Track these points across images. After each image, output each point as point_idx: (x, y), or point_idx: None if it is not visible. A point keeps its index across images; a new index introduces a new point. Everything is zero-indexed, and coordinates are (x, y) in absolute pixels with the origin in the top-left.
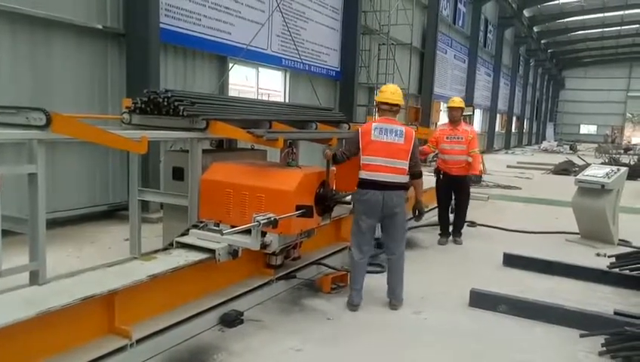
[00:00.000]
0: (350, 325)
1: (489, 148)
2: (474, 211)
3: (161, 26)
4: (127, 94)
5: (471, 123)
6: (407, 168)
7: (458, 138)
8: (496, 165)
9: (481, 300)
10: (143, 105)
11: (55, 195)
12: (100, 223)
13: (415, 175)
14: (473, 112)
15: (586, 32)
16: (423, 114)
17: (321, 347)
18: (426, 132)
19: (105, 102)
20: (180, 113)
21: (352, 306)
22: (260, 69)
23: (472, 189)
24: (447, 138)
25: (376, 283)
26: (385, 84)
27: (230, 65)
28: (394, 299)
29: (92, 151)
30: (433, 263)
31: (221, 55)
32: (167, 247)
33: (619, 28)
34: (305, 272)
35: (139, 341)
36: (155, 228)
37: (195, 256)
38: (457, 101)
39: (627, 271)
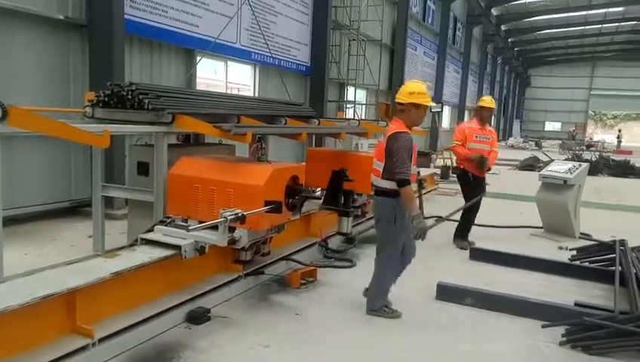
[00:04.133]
0: (319, 320)
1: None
2: (442, 206)
3: (126, 17)
4: (90, 87)
5: (440, 120)
6: (381, 170)
7: (486, 138)
8: None
9: (447, 293)
10: (106, 99)
11: (14, 191)
12: (62, 220)
13: (398, 182)
14: (442, 109)
15: (551, 31)
16: (393, 110)
17: (289, 343)
18: None
19: (67, 96)
20: (145, 107)
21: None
22: (229, 62)
23: (440, 185)
24: (476, 137)
25: (345, 277)
26: (355, 79)
27: (198, 58)
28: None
29: (53, 145)
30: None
31: (188, 48)
32: (132, 244)
33: (582, 28)
34: (274, 268)
35: (101, 340)
36: (120, 224)
37: (160, 253)
38: (489, 101)
39: (587, 264)
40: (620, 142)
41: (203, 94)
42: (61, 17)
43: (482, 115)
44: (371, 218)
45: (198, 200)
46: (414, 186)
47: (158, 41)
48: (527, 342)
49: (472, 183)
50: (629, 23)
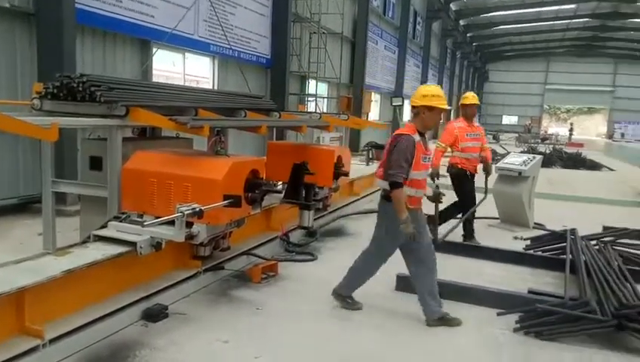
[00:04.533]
0: (280, 315)
1: None
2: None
3: (77, 6)
4: (38, 78)
5: (401, 114)
6: (381, 171)
7: (477, 135)
8: None
9: (406, 284)
10: (55, 91)
11: None
12: (10, 217)
13: (389, 184)
14: (403, 103)
15: (507, 26)
16: (355, 104)
17: (249, 337)
18: (359, 122)
19: (13, 87)
20: (97, 99)
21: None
22: (187, 54)
23: None
24: (467, 135)
25: (307, 271)
26: (316, 72)
27: (154, 50)
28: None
29: None
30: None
31: (144, 39)
32: (85, 241)
33: (536, 24)
34: (235, 263)
35: (52, 340)
36: (72, 221)
37: (114, 250)
38: (471, 97)
39: (540, 253)
40: (571, 135)
41: (159, 86)
42: (6, 5)
43: (467, 112)
44: (333, 211)
45: (154, 195)
46: (410, 191)
47: (111, 31)
48: (483, 329)
49: (471, 182)
50: (580, 20)
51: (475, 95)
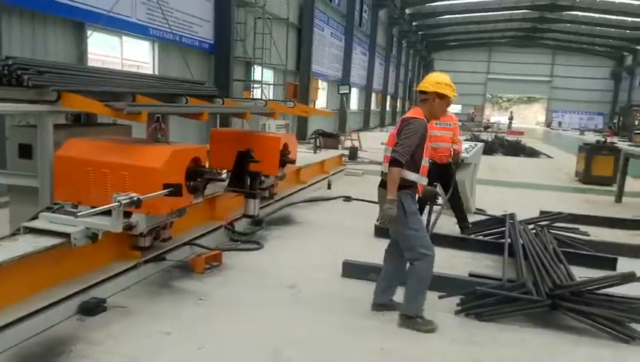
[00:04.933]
0: (224, 304)
1: (365, 126)
2: (350, 186)
3: None
4: None
5: (348, 102)
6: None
7: (447, 124)
8: (371, 142)
9: (352, 270)
10: None
11: None
12: None
13: (390, 161)
14: (350, 91)
15: (452, 16)
16: (302, 91)
17: (192, 329)
18: (306, 110)
19: None
20: (25, 83)
21: (373, 305)
22: (125, 38)
23: (348, 165)
24: (436, 124)
25: (253, 260)
26: (261, 58)
27: (89, 32)
28: (400, 308)
29: None
30: (309, 238)
31: (78, 21)
32: (14, 234)
33: (480, 14)
34: (177, 253)
35: None
36: (2, 213)
37: (47, 242)
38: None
39: (481, 237)
40: (511, 123)
41: (94, 71)
42: None
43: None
44: (280, 199)
45: (89, 184)
46: (419, 179)
47: (41, 12)
48: (426, 312)
49: (434, 172)
50: (520, 11)
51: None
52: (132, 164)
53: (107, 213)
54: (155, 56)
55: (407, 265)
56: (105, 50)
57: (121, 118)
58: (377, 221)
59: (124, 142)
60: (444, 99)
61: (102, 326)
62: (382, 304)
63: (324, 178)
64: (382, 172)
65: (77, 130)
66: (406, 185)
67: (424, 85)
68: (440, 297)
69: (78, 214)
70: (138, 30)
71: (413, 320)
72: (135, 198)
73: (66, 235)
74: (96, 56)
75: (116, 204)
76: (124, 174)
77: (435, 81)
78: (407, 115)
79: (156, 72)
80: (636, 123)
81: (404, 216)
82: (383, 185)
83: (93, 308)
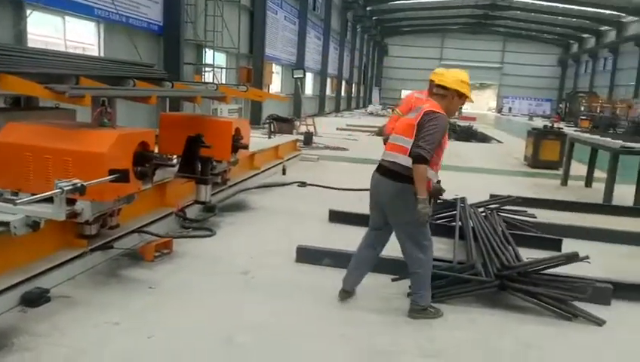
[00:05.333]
0: (175, 292)
1: (321, 111)
2: (305, 172)
3: None
4: None
5: (303, 86)
6: (407, 147)
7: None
8: (326, 128)
9: (306, 255)
10: None
11: None
12: None
13: (413, 158)
14: (304, 75)
15: (405, 2)
16: (255, 75)
17: (142, 318)
18: (259, 94)
19: None
20: None
21: (342, 292)
22: (68, 18)
23: (303, 151)
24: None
25: (205, 247)
26: (213, 41)
27: (28, 12)
28: (411, 301)
29: None
30: (263, 224)
31: None
32: None
33: (433, 0)
34: (126, 241)
35: None
36: None
37: None
38: (440, 73)
39: (432, 221)
40: (461, 109)
41: (35, 52)
42: None
43: (431, 89)
44: (233, 185)
45: (29, 170)
46: (433, 176)
47: None
48: (380, 295)
49: None
50: None
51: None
52: (75, 150)
53: (50, 200)
54: (101, 37)
55: (414, 256)
56: (47, 31)
57: (64, 101)
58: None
59: (68, 126)
60: (462, 98)
61: (46, 317)
62: (351, 291)
63: (279, 163)
64: (385, 160)
65: (16, 113)
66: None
67: (445, 81)
68: (393, 280)
69: (17, 201)
70: (82, 10)
71: (425, 311)
72: (79, 185)
73: (5, 224)
74: (37, 37)
75: (58, 190)
76: (67, 160)
77: (460, 79)
78: (429, 107)
79: (102, 55)
80: (582, 109)
81: (412, 211)
82: (385, 173)
83: (36, 299)
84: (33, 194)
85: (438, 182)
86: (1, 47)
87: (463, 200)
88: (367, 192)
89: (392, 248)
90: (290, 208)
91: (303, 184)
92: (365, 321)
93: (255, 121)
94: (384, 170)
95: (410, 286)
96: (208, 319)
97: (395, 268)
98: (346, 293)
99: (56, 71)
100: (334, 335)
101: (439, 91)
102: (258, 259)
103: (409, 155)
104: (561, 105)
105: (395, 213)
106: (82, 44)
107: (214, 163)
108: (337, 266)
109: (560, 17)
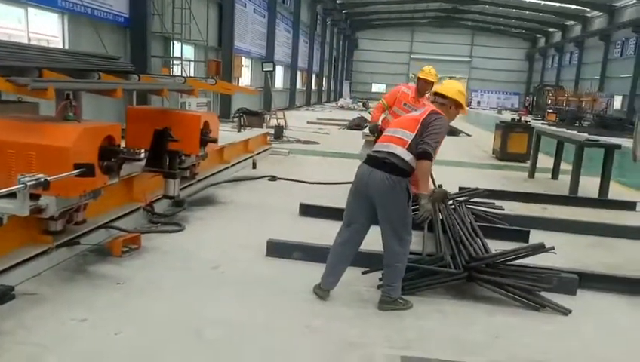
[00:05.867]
0: (143, 288)
1: (291, 105)
2: (275, 166)
3: None
4: None
5: (272, 80)
6: (407, 140)
7: (415, 110)
8: (297, 121)
9: (277, 249)
10: None
11: None
12: None
13: (419, 154)
14: (274, 68)
15: None
16: (225, 68)
17: (110, 313)
18: (228, 87)
19: None
20: None
21: (321, 290)
22: (31, 9)
23: (273, 144)
24: (404, 105)
25: (174, 242)
26: (181, 34)
27: None
28: (382, 292)
29: None
30: (233, 218)
31: None
32: None
33: None
34: (93, 237)
35: None
36: None
37: None
38: (427, 72)
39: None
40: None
41: None
42: None
43: (418, 86)
44: (202, 179)
45: None
46: None
47: None
48: (349, 288)
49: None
50: None
51: (433, 72)
52: (39, 144)
53: (12, 195)
54: (65, 29)
55: (394, 249)
56: (10, 23)
57: (26, 94)
58: (418, 218)
59: (31, 120)
60: (458, 108)
61: (11, 315)
62: (330, 289)
63: (249, 157)
64: (380, 151)
65: None
66: (411, 174)
67: (446, 90)
68: (363, 273)
69: None
70: (45, 1)
71: (396, 302)
72: (42, 180)
73: None
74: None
75: (21, 185)
76: (31, 154)
77: (459, 90)
78: (436, 109)
79: (67, 47)
80: (549, 102)
81: (407, 203)
82: (378, 165)
83: (0, 296)
84: None
85: (440, 186)
86: None
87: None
88: (338, 185)
89: (365, 241)
90: (261, 202)
91: (273, 178)
92: (335, 314)
93: (224, 114)
94: (378, 162)
95: (381, 278)
96: (177, 314)
97: (366, 261)
98: (326, 292)
99: (18, 63)
100: (304, 328)
101: (438, 99)
102: (228, 254)
103: (413, 151)
104: (528, 99)
105: (385, 206)
106: (46, 36)
107: (183, 157)
108: (307, 260)
109: (527, 12)
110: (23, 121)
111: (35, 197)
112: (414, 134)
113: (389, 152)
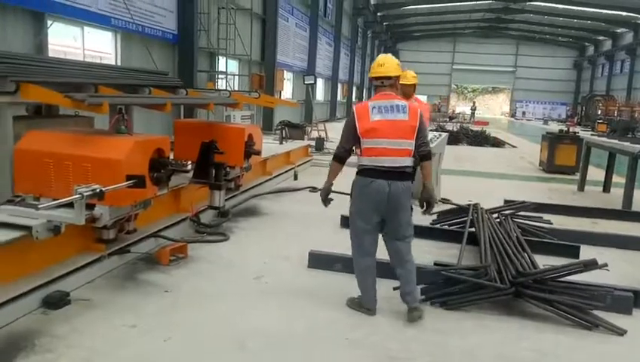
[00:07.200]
0: (190, 296)
1: (332, 117)
2: (316, 177)
3: None
4: None
5: (313, 93)
6: (412, 149)
7: None
8: (338, 133)
9: (318, 261)
10: None
11: None
12: None
13: (424, 156)
14: (315, 81)
15: (417, 6)
16: (267, 82)
17: (157, 321)
18: (270, 100)
19: None
20: None
21: (368, 310)
22: (87, 28)
23: (314, 156)
24: None
25: (219, 252)
26: (226, 49)
27: (49, 22)
28: (411, 301)
29: None
30: (275, 229)
31: (37, 11)
32: None
33: (444, 5)
34: (142, 245)
35: None
36: None
37: (7, 235)
38: (407, 75)
39: (446, 226)
40: (473, 113)
41: (54, 61)
42: None
43: (402, 90)
44: (246, 190)
45: (50, 176)
46: None
47: (0, 2)
48: (391, 302)
49: None
50: (485, 1)
51: (411, 74)
52: (94, 156)
53: (70, 205)
54: (118, 46)
55: (409, 249)
56: (67, 41)
57: (83, 109)
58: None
59: (86, 133)
60: (398, 80)
61: (66, 319)
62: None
63: (291, 169)
64: (396, 166)
65: (37, 121)
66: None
67: (389, 71)
68: (395, 289)
69: (40, 207)
70: (99, 20)
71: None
72: (98, 190)
73: (28, 228)
74: (57, 47)
75: (78, 196)
76: (87, 166)
77: (393, 63)
78: (410, 104)
79: (119, 63)
80: (598, 112)
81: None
82: (397, 177)
83: (57, 302)
84: (54, 200)
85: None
86: (24, 57)
87: (476, 205)
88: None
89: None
90: (302, 213)
91: (314, 189)
92: (375, 327)
93: (267, 127)
94: (395, 174)
95: (408, 288)
96: (222, 323)
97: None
98: (373, 310)
99: (75, 80)
100: (344, 340)
101: (387, 82)
102: (271, 264)
103: (415, 154)
104: (569, 109)
105: (399, 210)
106: (100, 53)
107: (228, 169)
108: (349, 272)
109: (575, 20)
110: (79, 135)
111: (90, 206)
112: (414, 141)
113: (405, 165)
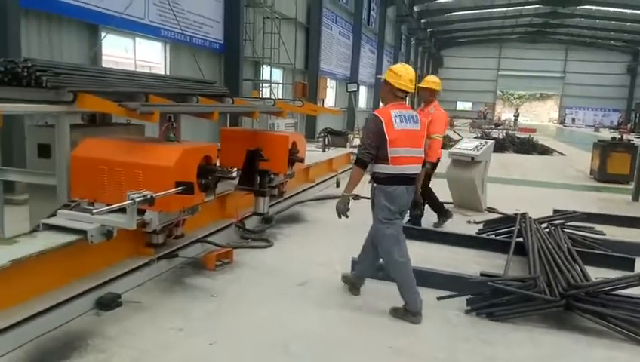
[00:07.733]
0: (234, 300)
1: None
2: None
3: None
4: None
5: (356, 100)
6: (423, 157)
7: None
8: None
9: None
10: None
11: None
12: None
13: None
14: (358, 89)
15: (461, 13)
16: (310, 90)
17: (204, 325)
18: (314, 108)
19: None
20: (43, 85)
21: (414, 316)
22: (138, 39)
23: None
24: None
25: (263, 257)
26: (270, 58)
27: (102, 34)
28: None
29: None
30: (318, 235)
31: (92, 24)
32: (34, 230)
33: (489, 10)
34: (189, 250)
35: (0, 331)
36: (22, 210)
37: (64, 239)
38: (427, 80)
39: (493, 236)
40: (516, 120)
41: (108, 72)
42: None
43: (421, 95)
44: (289, 197)
45: (104, 182)
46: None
47: (57, 14)
48: (437, 312)
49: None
50: (532, 6)
51: (432, 78)
52: (145, 163)
53: (122, 210)
54: (167, 56)
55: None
56: (119, 52)
57: (135, 117)
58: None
59: (138, 141)
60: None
61: (117, 321)
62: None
63: (333, 176)
64: (413, 173)
65: (92, 129)
66: None
67: (395, 80)
68: (439, 298)
69: (94, 211)
70: (150, 31)
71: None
72: (148, 196)
73: (83, 232)
74: (110, 58)
75: (130, 201)
76: (138, 173)
77: (395, 73)
78: (418, 114)
79: (168, 73)
80: None
81: None
82: (411, 182)
83: (109, 303)
84: (107, 205)
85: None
86: (80, 68)
87: (523, 215)
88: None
89: (449, 264)
90: (344, 220)
91: (356, 197)
92: (419, 336)
93: (310, 134)
94: (411, 181)
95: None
96: (266, 327)
97: (455, 285)
98: (419, 316)
99: (127, 89)
100: (387, 348)
101: (386, 88)
102: (314, 271)
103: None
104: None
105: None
106: (149, 62)
107: (272, 176)
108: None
109: (628, 23)
110: (131, 142)
111: (140, 212)
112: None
113: (417, 172)
